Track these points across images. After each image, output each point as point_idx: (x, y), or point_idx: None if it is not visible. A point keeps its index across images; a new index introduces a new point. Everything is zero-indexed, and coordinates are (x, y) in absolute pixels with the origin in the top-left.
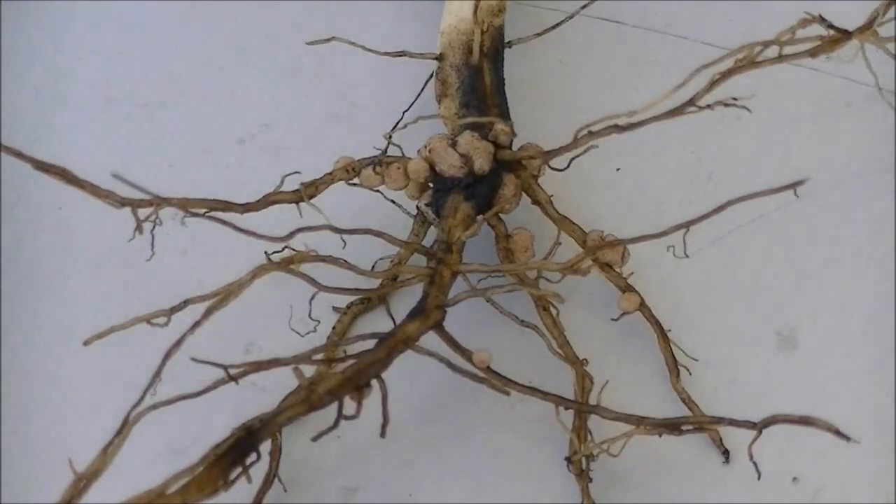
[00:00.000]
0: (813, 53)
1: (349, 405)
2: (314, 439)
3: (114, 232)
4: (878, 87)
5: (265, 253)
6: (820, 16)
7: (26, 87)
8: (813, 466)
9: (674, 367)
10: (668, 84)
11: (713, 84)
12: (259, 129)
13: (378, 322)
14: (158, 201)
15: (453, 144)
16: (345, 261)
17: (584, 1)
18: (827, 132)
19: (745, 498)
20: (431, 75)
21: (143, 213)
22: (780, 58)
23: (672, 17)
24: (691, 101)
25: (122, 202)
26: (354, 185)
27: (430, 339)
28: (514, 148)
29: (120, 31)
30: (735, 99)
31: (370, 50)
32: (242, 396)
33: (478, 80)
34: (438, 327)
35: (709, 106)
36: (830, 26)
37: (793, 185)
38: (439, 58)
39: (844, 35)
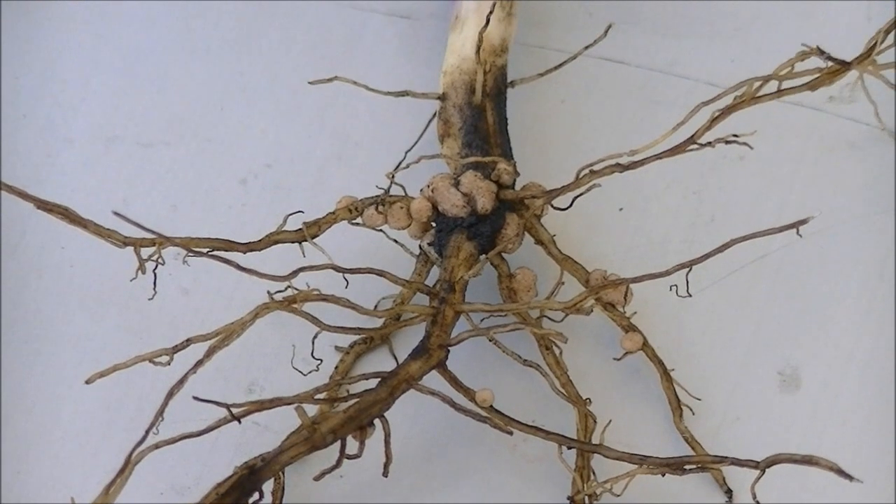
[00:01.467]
0: (812, 86)
1: (352, 444)
2: (317, 478)
3: (116, 271)
4: (880, 120)
5: (268, 292)
6: (818, 48)
7: (29, 126)
8: None
9: (677, 406)
10: (672, 124)
11: (713, 121)
12: (261, 169)
13: (381, 361)
14: (161, 240)
15: (456, 184)
16: (347, 300)
17: (587, 41)
18: (830, 172)
19: None
20: (434, 115)
21: (145, 252)
22: (780, 92)
23: (675, 58)
24: (692, 139)
25: (125, 241)
26: (357, 224)
27: (433, 379)
28: (517, 187)
29: (123, 70)
30: (736, 136)
31: (373, 90)
32: (245, 436)
33: (480, 119)
34: (441, 366)
35: (709, 143)
36: (829, 58)
37: (796, 225)
38: (442, 97)
39: (843, 66)
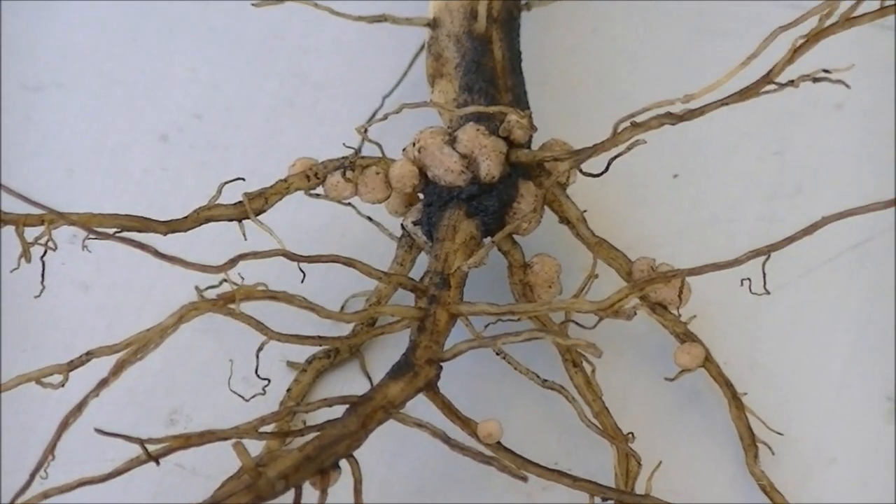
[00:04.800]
0: None
1: (310, 494)
2: None
3: None
4: None
5: (196, 288)
6: None
7: None
8: None
9: (750, 443)
10: (739, 58)
11: (796, 51)
12: (188, 121)
13: (349, 382)
14: (52, 217)
15: (451, 142)
16: (304, 299)
17: None
18: None
19: None
20: (421, 48)
21: (30, 233)
22: (883, 10)
23: None
24: (768, 78)
25: (3, 219)
26: (317, 196)
27: (420, 405)
28: (534, 146)
29: None
30: (827, 72)
31: (338, 13)
32: (165, 482)
33: (485, 54)
34: (431, 389)
35: (791, 82)
36: None
37: None
38: (432, 24)
39: None
